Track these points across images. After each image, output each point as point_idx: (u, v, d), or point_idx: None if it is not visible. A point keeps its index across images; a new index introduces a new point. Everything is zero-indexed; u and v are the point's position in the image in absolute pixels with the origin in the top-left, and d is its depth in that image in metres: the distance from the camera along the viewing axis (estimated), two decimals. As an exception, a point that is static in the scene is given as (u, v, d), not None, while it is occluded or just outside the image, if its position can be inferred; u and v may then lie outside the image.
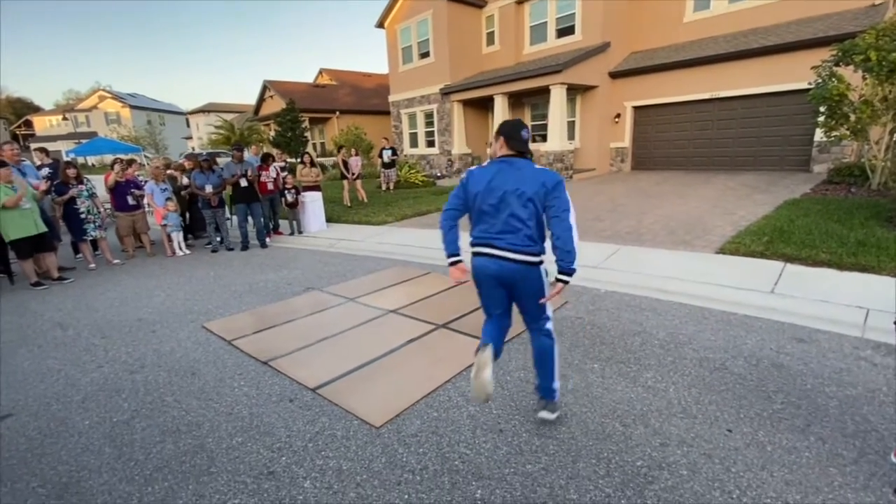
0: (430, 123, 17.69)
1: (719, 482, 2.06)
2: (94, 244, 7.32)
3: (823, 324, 3.54)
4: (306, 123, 21.11)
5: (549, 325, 2.43)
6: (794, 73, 9.87)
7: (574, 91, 13.53)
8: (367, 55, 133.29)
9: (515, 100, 15.17)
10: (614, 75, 13.50)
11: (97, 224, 6.97)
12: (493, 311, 2.43)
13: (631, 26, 13.83)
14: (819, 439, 2.30)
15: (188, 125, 43.59)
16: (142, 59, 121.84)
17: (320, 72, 29.50)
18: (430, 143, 17.90)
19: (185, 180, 8.31)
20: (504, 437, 2.46)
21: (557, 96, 12.61)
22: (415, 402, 2.81)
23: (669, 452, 2.26)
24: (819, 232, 5.46)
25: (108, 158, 18.66)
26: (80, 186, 6.76)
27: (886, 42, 6.82)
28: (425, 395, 2.89)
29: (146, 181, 7.84)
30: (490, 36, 16.31)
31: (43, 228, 5.95)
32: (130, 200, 7.39)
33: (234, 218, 7.99)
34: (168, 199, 7.55)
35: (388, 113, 20.00)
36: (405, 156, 18.24)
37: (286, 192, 8.44)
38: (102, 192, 7.80)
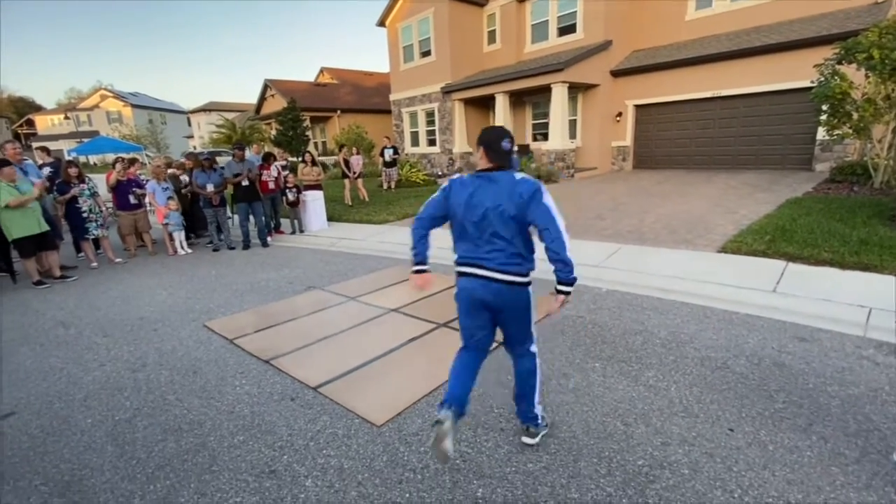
0: (431, 122, 17.68)
1: (721, 481, 2.06)
2: (97, 243, 7.33)
3: (825, 323, 3.53)
4: (307, 122, 21.11)
5: (534, 348, 2.30)
6: (797, 72, 9.84)
7: (575, 90, 13.50)
8: (369, 54, 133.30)
9: (517, 98, 15.15)
10: (616, 74, 13.47)
11: (99, 223, 6.98)
12: (472, 338, 2.24)
13: (632, 24, 13.79)
14: (821, 438, 2.29)
15: (189, 124, 43.62)
16: (143, 57, 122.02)
17: (321, 71, 29.50)
18: (432, 142, 17.89)
19: (185, 179, 8.31)
20: (505, 435, 2.46)
21: (559, 95, 12.59)
22: (416, 401, 2.81)
23: (671, 451, 2.26)
24: (821, 231, 5.45)
25: (110, 157, 18.70)
26: (81, 185, 6.78)
27: (889, 40, 6.79)
28: (426, 393, 2.89)
29: (148, 180, 7.85)
30: (491, 34, 16.28)
31: (45, 227, 5.97)
32: (132, 199, 7.40)
33: (236, 217, 8.01)
34: (170, 198, 7.56)
35: (389, 112, 19.99)
36: (406, 155, 18.23)
37: (287, 191, 8.44)
38: (104, 191, 7.82)
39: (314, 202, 8.66)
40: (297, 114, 19.91)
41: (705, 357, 3.16)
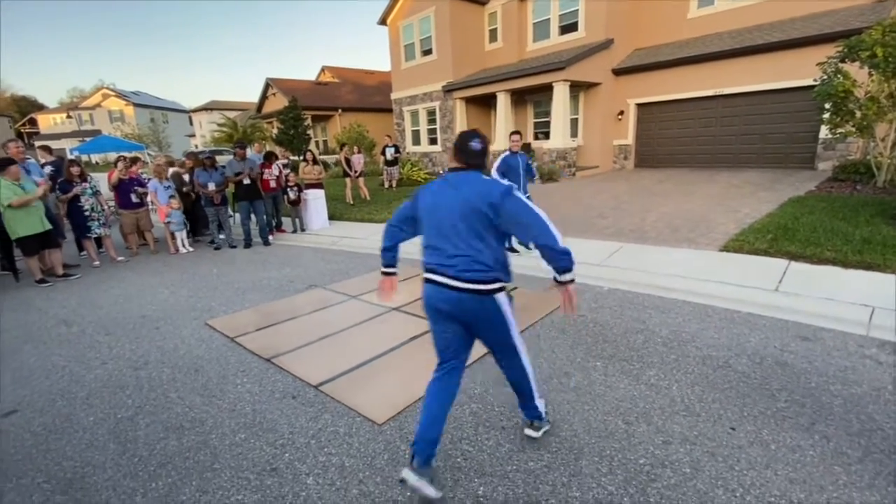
0: (432, 121, 17.66)
1: (722, 480, 2.05)
2: (99, 242, 7.35)
3: (828, 322, 3.52)
4: (309, 121, 21.10)
5: (523, 361, 2.16)
6: (800, 70, 9.80)
7: (577, 88, 13.46)
8: (370, 52, 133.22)
9: (518, 97, 15.12)
10: (618, 72, 13.43)
11: (101, 222, 7.00)
12: (446, 354, 2.12)
13: (634, 23, 13.75)
14: (823, 438, 2.29)
15: (191, 123, 43.67)
16: (145, 56, 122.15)
17: (323, 69, 29.50)
18: (433, 141, 17.87)
19: (186, 178, 8.32)
20: (506, 434, 2.46)
21: (560, 93, 12.56)
22: (417, 400, 2.81)
23: (672, 450, 2.26)
24: (824, 229, 5.43)
25: (112, 156, 18.75)
26: (84, 184, 6.79)
27: (893, 38, 6.75)
28: (428, 392, 2.89)
29: (149, 179, 7.87)
30: (493, 33, 16.25)
31: (49, 226, 5.99)
32: (134, 198, 7.42)
33: (237, 215, 8.02)
34: (171, 196, 7.57)
35: (390, 110, 19.97)
36: (408, 153, 18.22)
37: (289, 189, 8.45)
38: (106, 190, 7.83)
39: (315, 201, 8.67)
40: (298, 112, 19.90)
41: (707, 356, 3.16)
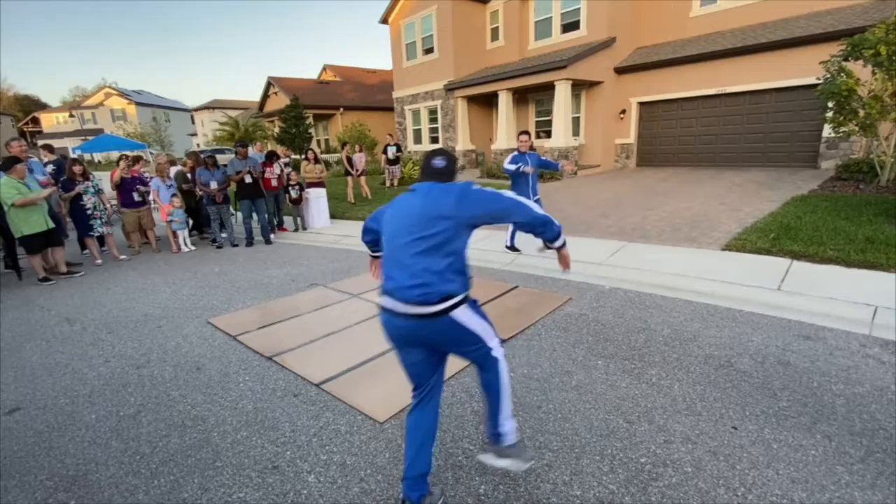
0: (434, 120, 17.66)
1: (724, 479, 2.05)
2: (101, 240, 7.37)
3: (830, 321, 3.51)
4: (310, 120, 21.11)
5: (496, 354, 1.90)
6: (803, 69, 9.77)
7: (579, 87, 13.44)
8: (372, 51, 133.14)
9: (520, 96, 15.10)
10: (620, 71, 13.40)
11: (103, 220, 7.01)
12: (419, 378, 1.94)
13: (637, 21, 13.72)
14: (826, 437, 2.28)
15: (193, 122, 43.72)
16: (147, 55, 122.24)
17: (324, 68, 29.51)
18: (434, 140, 17.87)
19: (190, 176, 8.34)
20: (508, 433, 2.46)
21: (562, 92, 12.54)
22: (418, 398, 2.82)
23: (674, 449, 2.26)
24: (826, 229, 5.41)
25: (114, 155, 18.80)
26: (86, 182, 6.81)
27: (896, 36, 6.73)
28: (429, 390, 2.89)
29: (151, 177, 7.89)
30: (494, 31, 16.23)
31: (52, 224, 6.02)
32: (136, 197, 7.43)
33: (239, 214, 8.04)
34: (173, 195, 7.59)
35: (392, 109, 19.98)
36: (409, 152, 18.22)
37: (290, 188, 8.45)
38: (109, 189, 7.84)
39: (317, 199, 8.67)
40: (300, 111, 19.92)
41: (709, 355, 3.15)
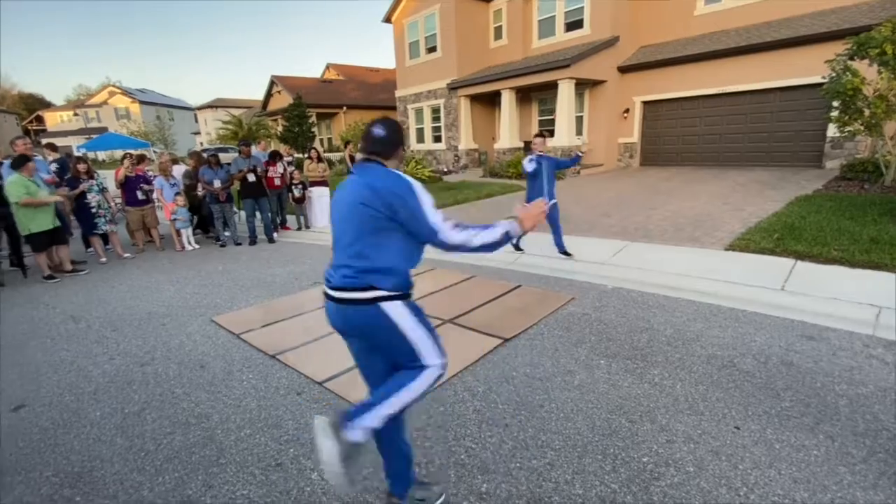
0: (436, 119, 17.65)
1: (726, 479, 2.05)
2: (105, 238, 7.41)
3: (834, 321, 3.50)
4: (313, 118, 21.15)
5: (432, 370, 1.72)
6: (807, 68, 9.71)
7: (582, 86, 13.41)
8: (375, 50, 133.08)
9: (523, 95, 15.08)
10: (623, 70, 13.36)
11: (108, 218, 7.05)
12: (371, 379, 1.84)
13: (640, 20, 13.66)
14: (828, 437, 2.28)
15: (196, 120, 43.82)
16: (151, 54, 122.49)
17: (327, 67, 29.52)
18: (437, 139, 17.87)
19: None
20: (510, 431, 2.47)
21: (565, 91, 12.52)
22: (421, 397, 2.82)
23: (676, 449, 2.26)
24: (831, 229, 5.39)
25: (118, 154, 18.88)
26: (90, 181, 6.85)
27: (902, 35, 6.69)
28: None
29: (155, 176, 7.92)
30: (498, 30, 16.21)
31: (58, 223, 6.07)
32: (140, 195, 7.46)
33: (242, 213, 8.07)
34: (177, 193, 7.62)
35: (395, 108, 19.98)
36: (412, 151, 18.23)
37: (293, 187, 8.47)
38: (113, 187, 7.88)
39: (320, 198, 8.68)
40: (303, 110, 19.95)
41: (712, 355, 3.15)
